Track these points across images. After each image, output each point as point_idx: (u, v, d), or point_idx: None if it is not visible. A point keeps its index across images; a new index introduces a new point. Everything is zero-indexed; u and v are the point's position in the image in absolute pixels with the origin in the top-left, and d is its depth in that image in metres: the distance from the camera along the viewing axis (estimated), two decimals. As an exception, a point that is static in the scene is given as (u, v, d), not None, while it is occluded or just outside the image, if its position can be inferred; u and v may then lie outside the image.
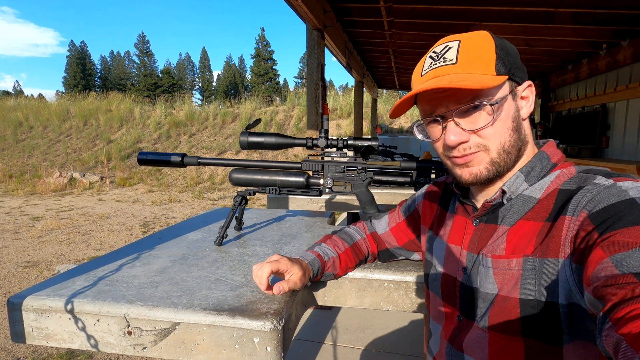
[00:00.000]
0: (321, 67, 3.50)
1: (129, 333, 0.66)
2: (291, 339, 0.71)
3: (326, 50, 4.09)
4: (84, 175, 9.89)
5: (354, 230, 0.91)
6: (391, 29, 4.42)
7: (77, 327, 0.68)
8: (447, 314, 0.69)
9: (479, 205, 0.66)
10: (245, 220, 1.32)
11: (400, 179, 1.08)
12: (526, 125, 0.62)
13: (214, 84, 54.91)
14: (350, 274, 0.85)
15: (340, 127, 11.87)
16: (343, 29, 4.63)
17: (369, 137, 1.01)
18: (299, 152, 10.09)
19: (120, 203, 7.54)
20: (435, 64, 0.59)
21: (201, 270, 0.85)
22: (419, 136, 0.68)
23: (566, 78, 5.97)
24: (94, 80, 49.91)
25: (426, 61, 0.61)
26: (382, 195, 2.05)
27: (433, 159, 1.53)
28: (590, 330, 0.51)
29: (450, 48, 0.59)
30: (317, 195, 1.08)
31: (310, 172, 1.10)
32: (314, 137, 1.04)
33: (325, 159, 1.10)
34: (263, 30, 50.29)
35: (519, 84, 0.60)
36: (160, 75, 48.05)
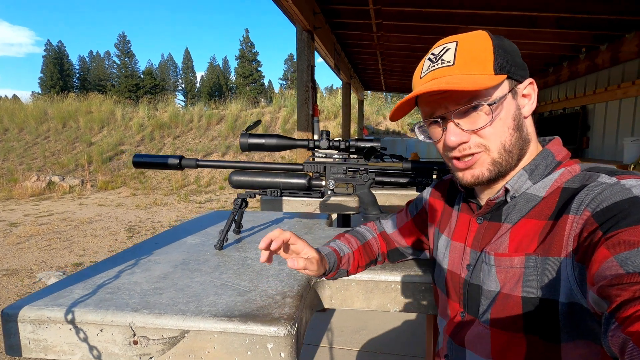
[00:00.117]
0: (311, 68, 3.50)
1: (135, 342, 0.63)
2: (302, 344, 0.69)
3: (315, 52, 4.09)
4: (63, 178, 9.56)
5: (365, 229, 0.91)
6: (379, 31, 4.46)
7: (78, 338, 0.65)
8: (451, 310, 0.69)
9: (483, 203, 0.67)
10: (243, 224, 1.30)
11: (403, 180, 1.07)
12: (528, 123, 0.62)
13: (198, 85, 54.16)
14: (357, 276, 0.84)
15: (326, 128, 11.87)
16: (332, 30, 4.65)
17: (371, 137, 1.00)
18: (286, 155, 10.04)
19: (103, 207, 7.32)
20: (434, 66, 0.59)
21: (205, 276, 0.82)
22: (421, 137, 0.68)
23: (548, 80, 6.14)
24: (72, 81, 48.44)
25: (425, 63, 0.61)
26: (379, 197, 2.05)
27: (429, 160, 1.54)
28: (592, 330, 0.51)
29: (447, 49, 0.59)
30: (319, 197, 1.07)
31: (311, 174, 1.09)
32: (315, 138, 1.03)
33: (327, 160, 1.09)
34: (247, 31, 49.85)
35: (520, 82, 0.60)
36: (142, 76, 47.03)
